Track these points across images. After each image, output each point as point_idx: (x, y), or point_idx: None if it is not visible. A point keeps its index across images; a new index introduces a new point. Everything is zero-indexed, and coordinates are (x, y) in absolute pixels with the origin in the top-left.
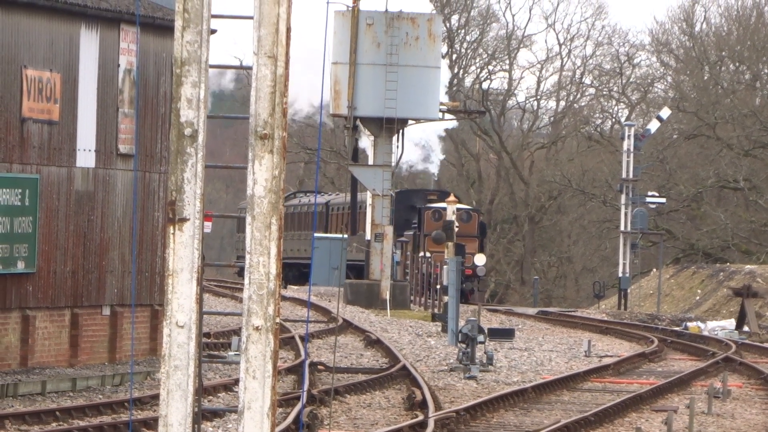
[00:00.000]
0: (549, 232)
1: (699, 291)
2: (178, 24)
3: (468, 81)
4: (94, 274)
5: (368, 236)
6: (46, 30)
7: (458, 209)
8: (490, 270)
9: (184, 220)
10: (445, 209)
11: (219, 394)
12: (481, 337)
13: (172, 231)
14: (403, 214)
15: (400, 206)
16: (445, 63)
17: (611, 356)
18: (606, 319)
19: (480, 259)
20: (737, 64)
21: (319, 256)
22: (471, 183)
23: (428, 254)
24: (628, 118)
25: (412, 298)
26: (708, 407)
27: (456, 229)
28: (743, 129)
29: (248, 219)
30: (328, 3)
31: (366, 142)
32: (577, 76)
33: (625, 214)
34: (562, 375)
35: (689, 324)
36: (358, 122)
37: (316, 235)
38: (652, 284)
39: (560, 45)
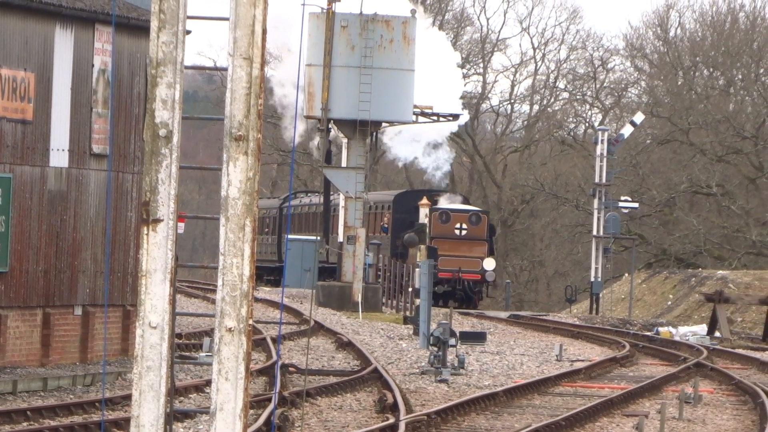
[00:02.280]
0: (521, 235)
1: (671, 296)
2: (154, 25)
3: None
4: (66, 273)
5: (340, 238)
6: (21, 29)
7: (467, 211)
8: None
9: (158, 220)
10: (453, 210)
11: (190, 395)
12: (452, 341)
13: (145, 231)
14: (407, 216)
15: (403, 208)
16: None
17: (583, 360)
18: (578, 323)
19: (489, 264)
20: (711, 69)
21: (291, 257)
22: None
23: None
24: (601, 123)
25: (384, 300)
26: (679, 412)
27: (464, 233)
28: (716, 134)
29: (222, 221)
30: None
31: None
32: (551, 80)
33: (598, 219)
34: (533, 379)
35: (661, 329)
36: (331, 124)
37: (289, 237)
38: (624, 289)
39: (534, 49)
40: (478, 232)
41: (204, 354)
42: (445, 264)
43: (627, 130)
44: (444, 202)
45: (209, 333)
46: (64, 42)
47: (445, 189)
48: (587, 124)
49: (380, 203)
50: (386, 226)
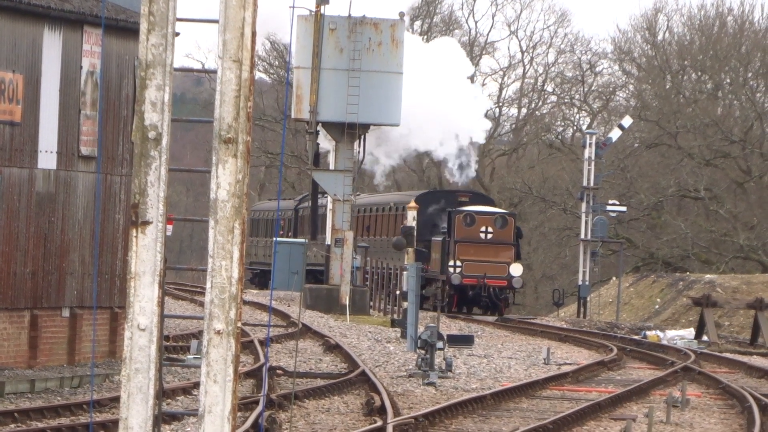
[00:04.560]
0: None
1: (658, 300)
2: (144, 27)
3: None
4: (54, 275)
5: (328, 241)
6: (9, 31)
7: (492, 213)
8: None
9: (147, 223)
10: (478, 213)
11: (177, 398)
12: (440, 344)
13: (134, 234)
14: (430, 218)
15: (426, 209)
16: None
17: (570, 364)
18: (565, 327)
19: (516, 270)
20: (699, 73)
21: (279, 260)
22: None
23: (458, 263)
24: (589, 126)
25: (371, 303)
26: (667, 416)
27: (490, 236)
28: (704, 138)
29: (211, 223)
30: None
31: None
32: (539, 83)
33: (586, 222)
34: (520, 382)
35: (648, 333)
36: (319, 127)
37: (278, 239)
38: (612, 293)
39: (523, 52)
40: (504, 235)
41: (192, 356)
42: (470, 269)
43: (615, 134)
44: (468, 204)
45: (197, 335)
46: (52, 44)
47: (471, 190)
48: (575, 128)
49: (401, 204)
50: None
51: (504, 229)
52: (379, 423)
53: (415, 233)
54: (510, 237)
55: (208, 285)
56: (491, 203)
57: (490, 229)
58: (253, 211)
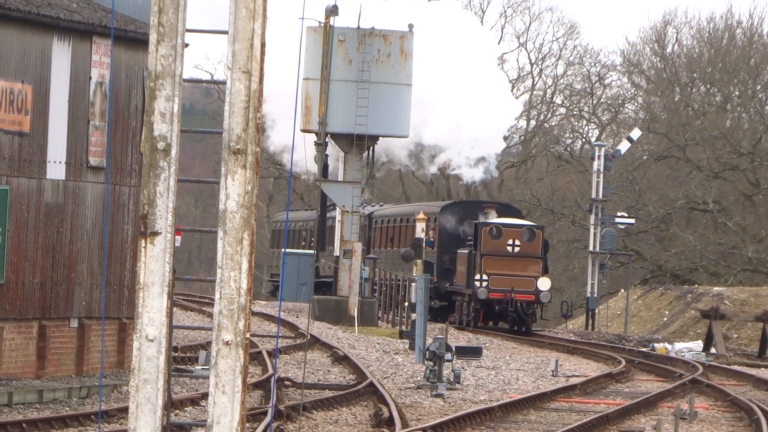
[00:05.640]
0: None
1: (667, 312)
2: (153, 38)
3: None
4: (62, 286)
5: (336, 252)
6: (19, 41)
7: (520, 225)
8: None
9: (155, 233)
10: (505, 225)
11: (186, 408)
12: (448, 355)
13: (143, 244)
14: (455, 230)
15: (451, 221)
16: None
17: (578, 376)
18: (573, 338)
19: (544, 284)
20: (708, 86)
21: (287, 271)
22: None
23: (485, 277)
24: (598, 139)
25: (379, 315)
26: (675, 429)
27: (517, 249)
28: (713, 151)
29: (220, 234)
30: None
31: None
32: (548, 95)
33: (594, 235)
34: (529, 394)
35: (656, 345)
36: (328, 138)
37: (287, 251)
38: (620, 305)
39: (532, 64)
40: (532, 249)
41: (200, 367)
42: (497, 283)
43: (624, 146)
44: (495, 216)
45: (205, 346)
46: (61, 54)
47: (497, 201)
48: (584, 140)
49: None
50: (432, 240)
51: (531, 242)
52: None
53: (423, 245)
54: (538, 250)
55: (217, 296)
56: (518, 215)
57: (517, 242)
58: (274, 222)
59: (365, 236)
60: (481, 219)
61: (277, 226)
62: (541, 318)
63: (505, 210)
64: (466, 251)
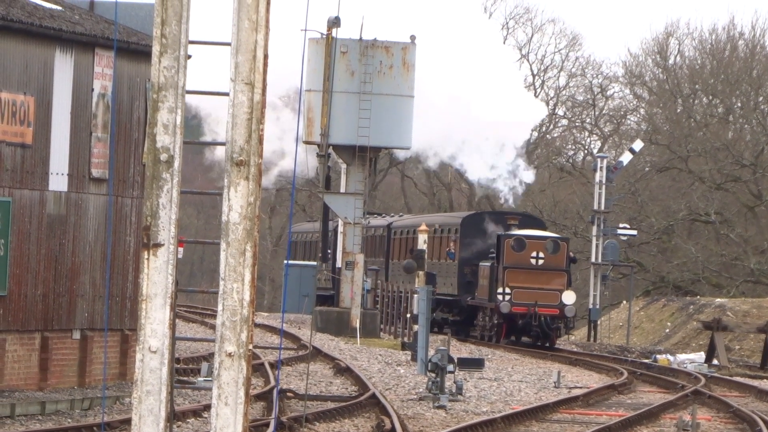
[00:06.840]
0: None
1: (669, 324)
2: (156, 49)
3: None
4: (64, 297)
5: (339, 263)
6: (21, 53)
7: (544, 237)
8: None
9: (158, 245)
10: (528, 237)
11: (188, 420)
12: (450, 367)
13: (146, 256)
14: (477, 242)
15: (471, 232)
16: None
17: (580, 387)
18: (576, 350)
19: (569, 297)
20: (710, 97)
21: (289, 283)
22: (443, 212)
23: (508, 290)
24: (600, 150)
25: (381, 326)
26: None
27: (541, 262)
28: (715, 162)
29: (222, 245)
30: (305, 31)
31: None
32: (550, 106)
33: (596, 246)
34: (531, 406)
35: (659, 356)
36: (330, 150)
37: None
38: (622, 316)
39: (534, 76)
40: (556, 261)
41: (202, 379)
42: (520, 297)
43: (626, 158)
44: (518, 228)
45: (207, 358)
46: (63, 66)
47: (521, 212)
48: (586, 151)
49: (445, 226)
50: (453, 251)
51: (556, 254)
52: None
53: (425, 256)
54: (562, 263)
55: (220, 307)
56: (542, 226)
57: (541, 255)
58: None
59: (384, 247)
60: (503, 230)
61: (296, 237)
62: (566, 333)
63: (528, 221)
64: (488, 264)
